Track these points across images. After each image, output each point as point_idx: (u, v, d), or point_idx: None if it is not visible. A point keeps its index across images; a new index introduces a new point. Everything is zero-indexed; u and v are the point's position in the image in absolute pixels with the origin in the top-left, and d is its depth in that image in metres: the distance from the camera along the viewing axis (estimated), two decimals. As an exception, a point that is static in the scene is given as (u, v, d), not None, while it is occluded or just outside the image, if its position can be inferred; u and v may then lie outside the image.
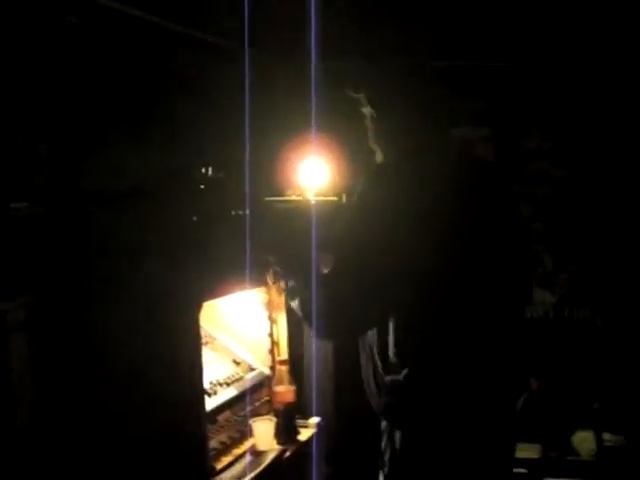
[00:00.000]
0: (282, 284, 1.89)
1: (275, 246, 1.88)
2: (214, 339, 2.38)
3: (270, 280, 2.02)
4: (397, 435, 1.77)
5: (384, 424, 1.84)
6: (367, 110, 1.83)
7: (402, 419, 1.77)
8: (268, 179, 2.28)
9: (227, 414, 2.18)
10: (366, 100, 1.82)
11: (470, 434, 1.72)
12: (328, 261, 1.76)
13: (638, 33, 2.97)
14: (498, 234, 1.77)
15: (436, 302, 1.66)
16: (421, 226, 1.64)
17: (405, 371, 1.69)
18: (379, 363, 1.76)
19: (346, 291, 1.67)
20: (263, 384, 2.39)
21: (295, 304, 1.80)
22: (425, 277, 1.63)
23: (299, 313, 1.80)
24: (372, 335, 1.77)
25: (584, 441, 3.32)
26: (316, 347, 2.36)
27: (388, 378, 1.74)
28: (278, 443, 2.22)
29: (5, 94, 1.81)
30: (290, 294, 1.84)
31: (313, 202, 2.26)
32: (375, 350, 1.76)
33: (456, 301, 1.68)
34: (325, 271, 1.74)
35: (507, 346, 1.78)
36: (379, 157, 1.84)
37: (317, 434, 2.34)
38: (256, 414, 2.28)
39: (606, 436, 3.29)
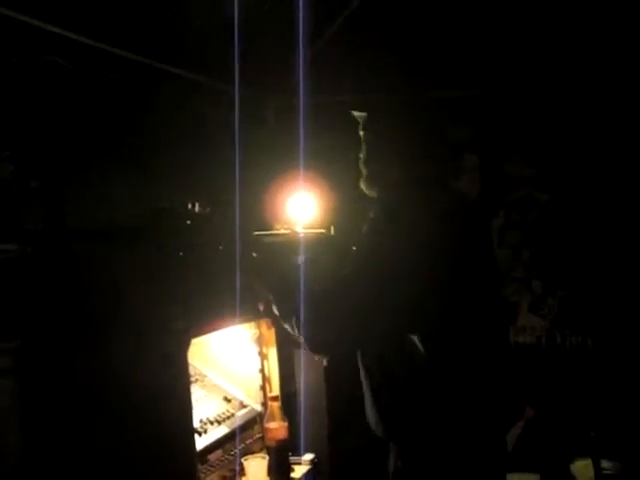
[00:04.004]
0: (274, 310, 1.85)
1: (263, 278, 1.87)
2: (204, 376, 2.36)
3: (261, 307, 2.00)
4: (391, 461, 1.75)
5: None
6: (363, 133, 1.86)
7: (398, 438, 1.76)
8: (256, 213, 2.27)
9: (218, 453, 2.15)
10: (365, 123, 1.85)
11: (463, 462, 1.70)
12: None
13: (617, 59, 3.02)
14: (479, 266, 1.81)
15: (429, 327, 1.67)
16: (414, 257, 1.65)
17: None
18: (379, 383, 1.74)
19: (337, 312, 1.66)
20: (255, 421, 2.36)
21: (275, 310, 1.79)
22: (417, 304, 1.64)
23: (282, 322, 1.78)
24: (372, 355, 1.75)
25: (583, 469, 3.29)
26: (308, 382, 2.33)
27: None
28: (271, 481, 2.19)
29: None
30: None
31: (301, 235, 2.25)
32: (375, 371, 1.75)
33: (448, 326, 1.68)
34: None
35: (498, 371, 1.78)
36: (362, 183, 1.87)
37: (311, 471, 2.31)
38: (248, 452, 2.24)
39: (604, 464, 3.27)
